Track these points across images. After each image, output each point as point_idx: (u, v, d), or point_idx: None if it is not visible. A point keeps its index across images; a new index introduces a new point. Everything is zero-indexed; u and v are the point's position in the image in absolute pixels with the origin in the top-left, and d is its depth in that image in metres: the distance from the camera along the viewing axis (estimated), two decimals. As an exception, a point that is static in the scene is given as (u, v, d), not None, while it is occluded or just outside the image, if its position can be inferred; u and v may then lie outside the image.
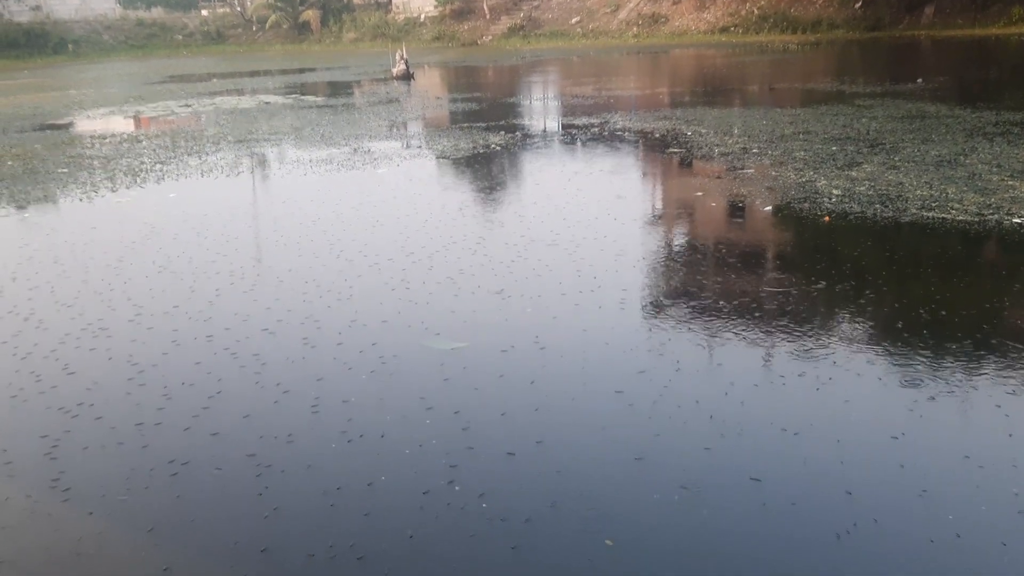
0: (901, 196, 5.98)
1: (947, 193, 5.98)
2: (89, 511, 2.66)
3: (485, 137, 10.01)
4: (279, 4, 41.45)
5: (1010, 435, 2.89)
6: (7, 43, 37.28)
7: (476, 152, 9.03)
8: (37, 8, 39.20)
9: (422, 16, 38.93)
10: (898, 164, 7.04)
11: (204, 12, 45.30)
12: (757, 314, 4.07)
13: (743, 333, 3.82)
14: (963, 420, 3.01)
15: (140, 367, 3.74)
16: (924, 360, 3.46)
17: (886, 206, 5.75)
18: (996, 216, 5.36)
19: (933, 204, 5.73)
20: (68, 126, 13.30)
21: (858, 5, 28.00)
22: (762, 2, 30.52)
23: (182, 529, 2.55)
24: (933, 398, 3.15)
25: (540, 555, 2.36)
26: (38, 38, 38.17)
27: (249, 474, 2.83)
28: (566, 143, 9.63)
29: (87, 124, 13.49)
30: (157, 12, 44.93)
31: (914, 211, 5.59)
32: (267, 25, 41.72)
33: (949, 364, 3.42)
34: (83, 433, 3.17)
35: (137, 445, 3.06)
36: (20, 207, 7.25)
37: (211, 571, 2.37)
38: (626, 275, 4.69)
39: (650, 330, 3.92)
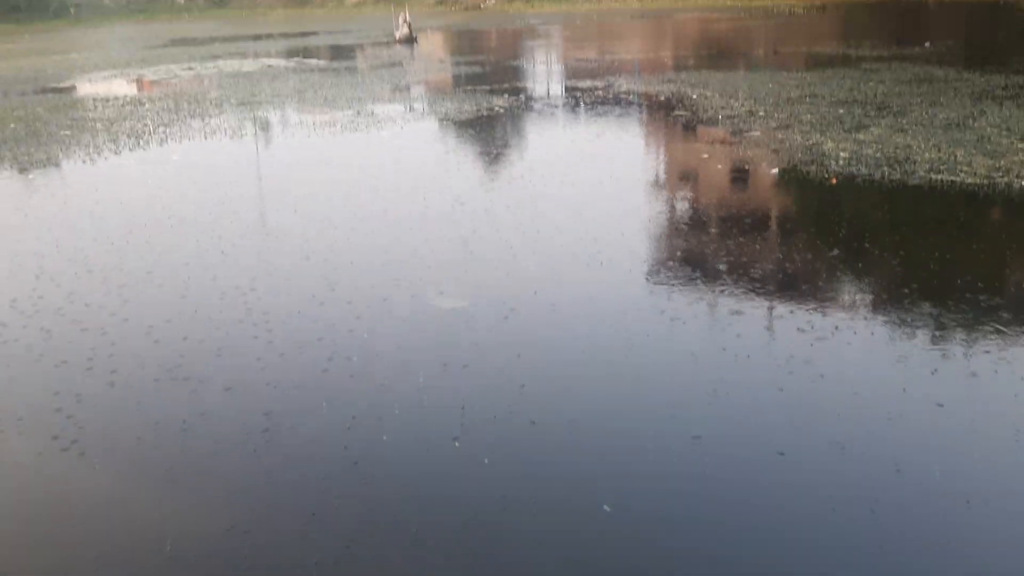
0: (909, 159, 5.94)
1: (956, 156, 5.94)
2: (103, 466, 2.69)
3: (489, 100, 9.94)
4: (280, -33, 40.91)
5: (1015, 395, 2.91)
6: (8, 7, 36.88)
7: (480, 115, 8.97)
8: (36, -29, 38.72)
9: (425, -21, 38.40)
10: (906, 127, 6.99)
11: (204, -25, 44.70)
12: (763, 274, 4.07)
13: (750, 293, 3.82)
14: (971, 382, 3.03)
15: (152, 323, 3.75)
16: (931, 320, 3.47)
17: (894, 168, 5.72)
18: (1006, 179, 5.34)
19: (942, 167, 5.69)
20: (70, 89, 13.22)
21: (866, -32, 27.56)
22: (769, -35, 30.05)
23: (198, 476, 2.59)
24: (941, 358, 3.16)
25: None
26: (39, 2, 37.77)
27: (259, 426, 2.85)
28: (570, 106, 9.56)
29: (89, 87, 13.40)
30: (157, -25, 44.35)
31: (922, 173, 5.56)
32: (268, -11, 41.19)
33: (956, 326, 3.42)
34: (97, 389, 3.19)
35: (153, 400, 3.08)
36: (23, 169, 7.23)
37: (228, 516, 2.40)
38: (633, 237, 4.69)
39: (656, 290, 3.93)
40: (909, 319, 3.48)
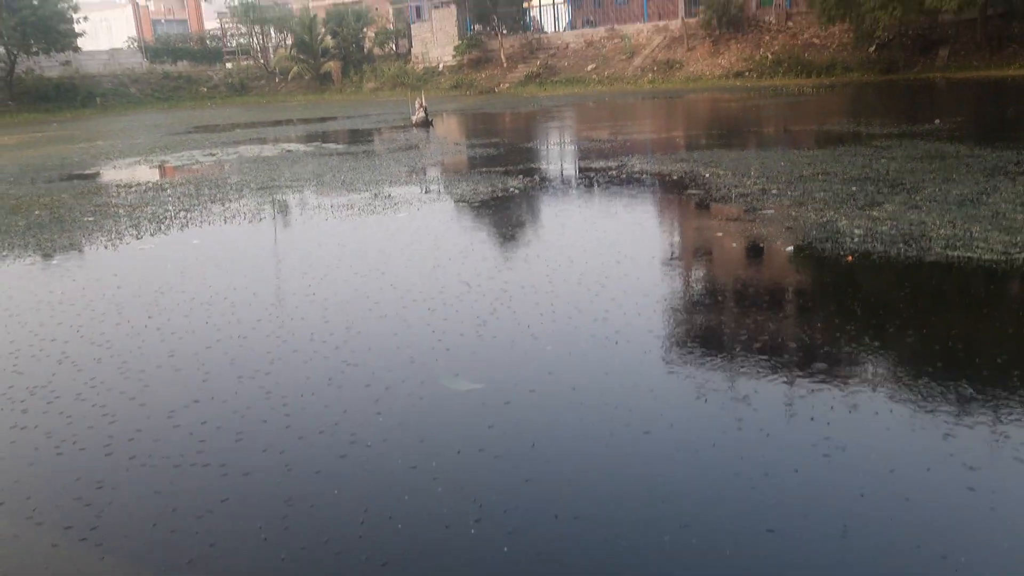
0: (924, 235, 5.96)
1: (971, 232, 5.95)
2: (121, 557, 2.66)
3: (504, 181, 10.10)
4: (301, 56, 42.29)
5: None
6: (38, 96, 38.20)
7: (495, 196, 9.10)
8: (67, 63, 40.18)
9: (440, 65, 39.55)
10: (920, 203, 7.02)
11: (228, 65, 46.25)
12: (780, 354, 4.05)
13: (767, 373, 3.79)
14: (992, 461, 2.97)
15: (172, 408, 3.76)
16: (953, 399, 3.42)
17: (909, 245, 5.72)
18: (1023, 255, 5.33)
19: (958, 243, 5.70)
20: (95, 176, 13.56)
21: (872, 48, 28.16)
22: (776, 47, 30.79)
23: (216, 566, 2.55)
24: (965, 437, 3.10)
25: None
26: (67, 92, 39.09)
27: (278, 514, 2.82)
28: (584, 186, 9.69)
29: (113, 174, 13.74)
30: (183, 65, 45.95)
31: (938, 250, 5.56)
32: (289, 76, 42.52)
33: (979, 404, 3.37)
34: (116, 476, 3.18)
35: (172, 486, 3.06)
36: (47, 255, 7.37)
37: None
38: (650, 317, 4.69)
39: (673, 371, 3.91)
40: (931, 398, 3.43)
